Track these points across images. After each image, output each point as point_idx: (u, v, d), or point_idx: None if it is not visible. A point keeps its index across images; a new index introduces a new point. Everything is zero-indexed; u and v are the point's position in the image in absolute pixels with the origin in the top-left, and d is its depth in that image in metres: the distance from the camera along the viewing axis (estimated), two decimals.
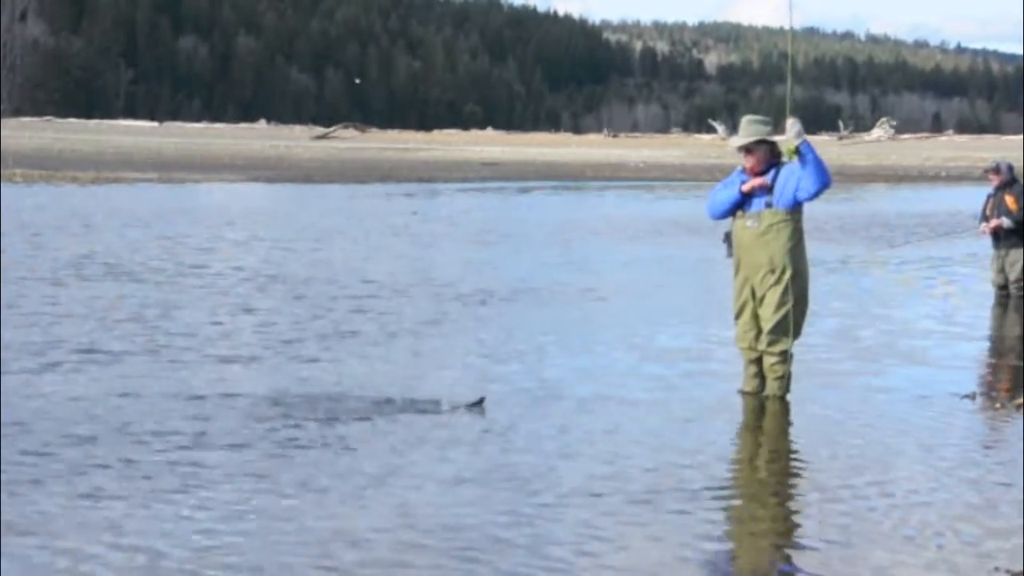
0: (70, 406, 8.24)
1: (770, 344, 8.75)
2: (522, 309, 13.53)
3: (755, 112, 9.96)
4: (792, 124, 8.51)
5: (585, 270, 17.57)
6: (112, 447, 7.23)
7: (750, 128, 8.78)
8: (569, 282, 15.94)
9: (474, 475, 6.79)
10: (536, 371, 9.83)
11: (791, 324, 8.74)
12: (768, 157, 8.75)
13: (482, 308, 13.49)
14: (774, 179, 8.72)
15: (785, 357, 8.78)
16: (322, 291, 14.54)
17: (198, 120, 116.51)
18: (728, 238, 8.94)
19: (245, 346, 10.81)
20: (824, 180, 8.58)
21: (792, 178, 8.66)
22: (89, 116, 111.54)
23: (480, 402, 8.44)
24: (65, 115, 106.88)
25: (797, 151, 8.51)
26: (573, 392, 8.99)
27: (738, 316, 8.90)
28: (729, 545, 5.92)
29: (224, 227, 23.75)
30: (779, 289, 8.70)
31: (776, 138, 8.75)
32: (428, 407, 8.39)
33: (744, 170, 8.82)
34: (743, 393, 8.93)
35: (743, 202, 8.78)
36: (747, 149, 8.74)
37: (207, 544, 5.64)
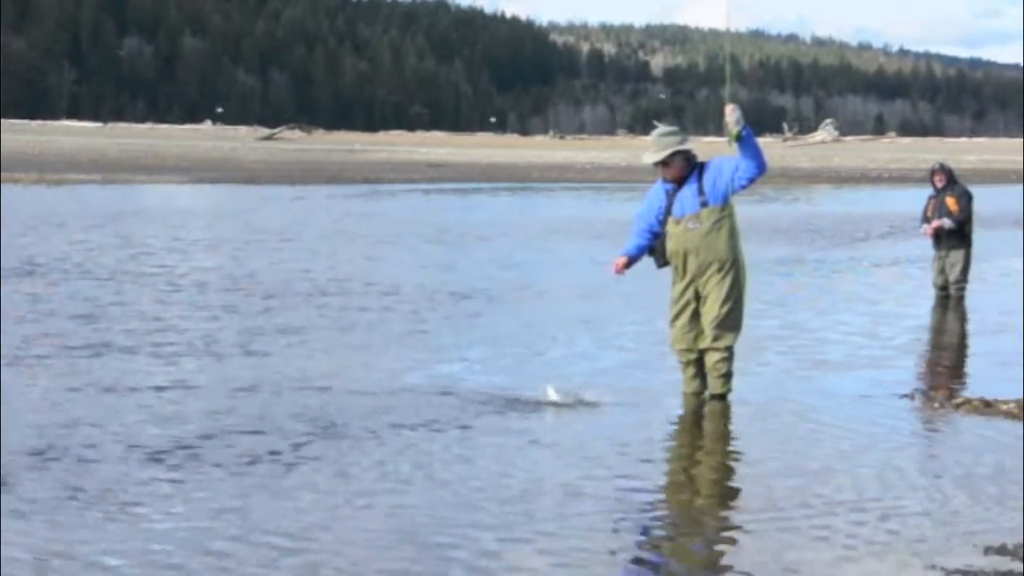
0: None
1: (715, 340, 8.76)
2: (519, 307, 13.72)
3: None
4: (732, 110, 8.50)
5: (557, 270, 17.68)
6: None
7: (661, 142, 8.79)
8: (551, 281, 16.11)
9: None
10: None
11: (736, 319, 8.80)
12: (685, 165, 8.80)
13: (482, 306, 13.74)
14: (698, 181, 8.78)
15: (730, 353, 8.81)
16: (307, 292, 14.56)
17: (143, 121, 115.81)
18: (655, 249, 8.95)
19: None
20: (762, 165, 8.67)
21: (722, 173, 8.72)
22: (32, 117, 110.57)
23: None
24: (8, 116, 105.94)
25: (739, 136, 8.55)
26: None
27: (676, 319, 8.92)
28: (664, 546, 5.90)
29: (182, 230, 23.61)
30: (725, 284, 8.73)
31: (709, 139, 8.81)
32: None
33: (665, 180, 8.86)
34: (684, 395, 8.97)
35: (670, 208, 8.82)
36: (664, 163, 8.78)
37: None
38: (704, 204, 8.72)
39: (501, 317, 13.19)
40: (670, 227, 8.81)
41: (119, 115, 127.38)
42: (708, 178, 8.75)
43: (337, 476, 6.79)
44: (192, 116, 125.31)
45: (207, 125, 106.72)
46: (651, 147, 8.84)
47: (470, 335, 11.84)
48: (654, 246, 8.93)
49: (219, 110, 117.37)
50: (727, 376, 8.85)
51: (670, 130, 8.97)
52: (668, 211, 8.82)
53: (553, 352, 10.94)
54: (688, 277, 8.82)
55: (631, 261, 9.00)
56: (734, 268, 8.76)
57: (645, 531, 6.08)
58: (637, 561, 5.65)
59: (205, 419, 8.03)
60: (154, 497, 6.35)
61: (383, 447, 7.43)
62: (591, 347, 11.23)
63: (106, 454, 7.13)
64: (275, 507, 6.21)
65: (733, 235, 8.77)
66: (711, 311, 8.76)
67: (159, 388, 9.01)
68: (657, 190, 8.94)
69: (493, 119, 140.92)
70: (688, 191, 8.77)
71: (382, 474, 6.85)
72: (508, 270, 17.70)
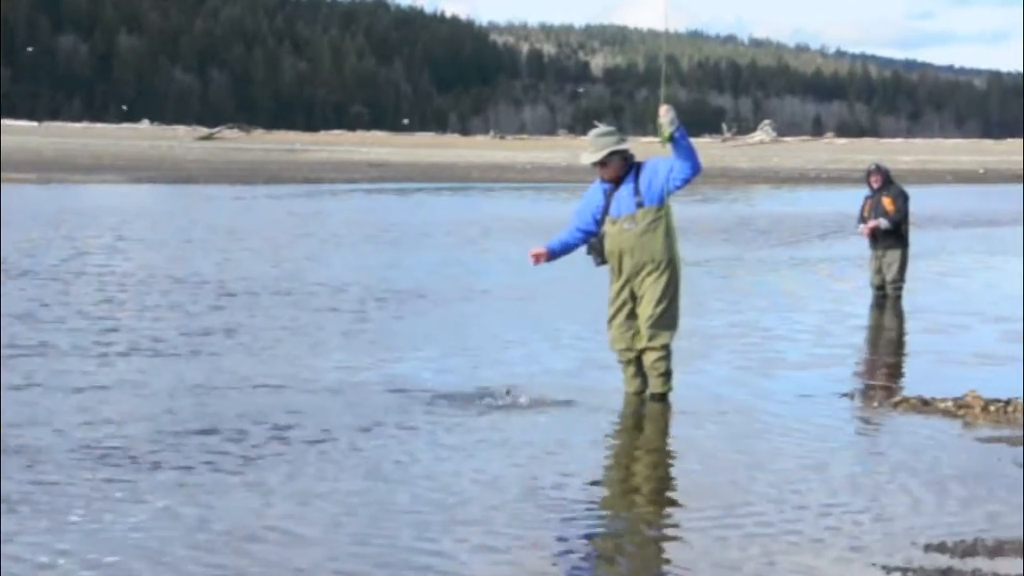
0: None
1: (651, 339, 8.83)
2: (466, 306, 13.69)
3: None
4: (666, 111, 8.56)
5: (502, 269, 17.70)
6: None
7: (599, 142, 8.86)
8: (496, 280, 16.17)
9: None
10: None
11: (671, 318, 8.90)
12: (622, 165, 8.89)
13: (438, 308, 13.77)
14: (634, 181, 8.87)
15: (667, 352, 8.88)
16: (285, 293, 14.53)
17: (79, 120, 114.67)
18: (593, 248, 9.04)
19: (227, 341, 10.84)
20: (697, 166, 8.75)
21: (657, 174, 8.80)
22: None
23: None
24: None
25: (671, 138, 8.65)
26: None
27: (612, 319, 9.01)
28: (602, 547, 5.93)
29: (123, 230, 23.45)
30: (660, 284, 8.80)
31: (647, 139, 8.89)
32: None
33: (603, 180, 8.96)
34: (626, 395, 9.05)
35: (607, 208, 8.91)
36: (602, 163, 8.89)
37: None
38: (640, 204, 8.81)
39: (449, 316, 13.25)
40: (607, 227, 8.90)
41: (55, 114, 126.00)
42: (644, 178, 8.84)
43: (288, 476, 6.83)
44: (129, 115, 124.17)
45: (144, 124, 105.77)
46: (589, 147, 8.92)
47: (419, 334, 11.88)
48: (593, 244, 9.02)
49: (124, 107, 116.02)
50: (667, 375, 8.93)
51: (607, 130, 9.05)
52: (606, 211, 8.92)
53: (500, 351, 11.00)
54: (624, 277, 8.91)
55: (551, 255, 9.11)
56: (669, 268, 8.83)
57: (583, 529, 6.13)
58: (576, 559, 5.73)
59: (153, 420, 8.02)
60: (100, 500, 6.34)
61: (334, 446, 7.46)
62: (538, 346, 11.30)
63: (51, 456, 7.11)
64: (225, 508, 6.23)
65: (669, 235, 8.84)
66: (646, 311, 8.84)
67: (105, 388, 8.99)
68: (595, 190, 9.02)
69: (406, 120, 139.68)
70: (625, 191, 8.85)
71: (333, 474, 6.88)
72: (453, 268, 17.78)
